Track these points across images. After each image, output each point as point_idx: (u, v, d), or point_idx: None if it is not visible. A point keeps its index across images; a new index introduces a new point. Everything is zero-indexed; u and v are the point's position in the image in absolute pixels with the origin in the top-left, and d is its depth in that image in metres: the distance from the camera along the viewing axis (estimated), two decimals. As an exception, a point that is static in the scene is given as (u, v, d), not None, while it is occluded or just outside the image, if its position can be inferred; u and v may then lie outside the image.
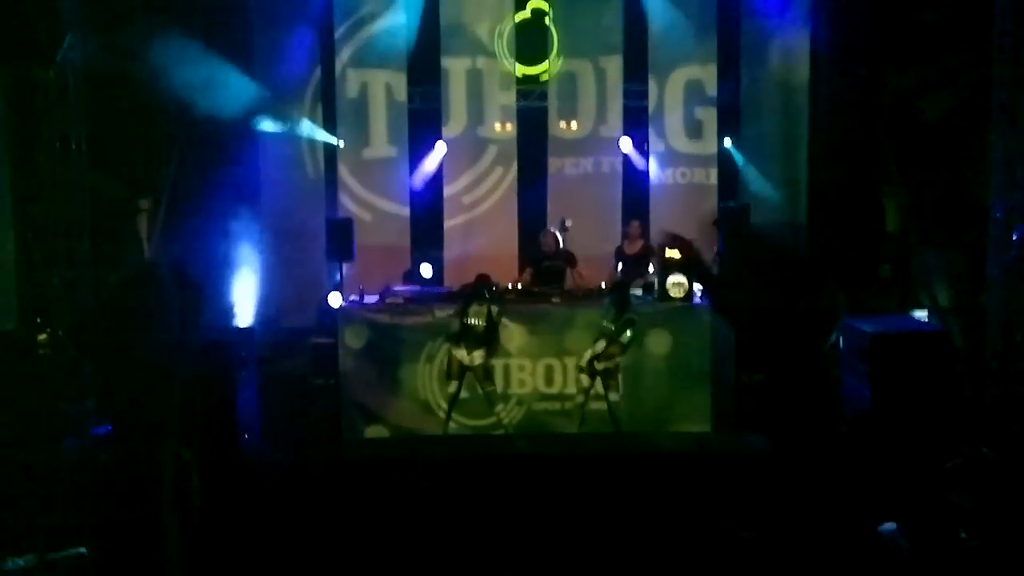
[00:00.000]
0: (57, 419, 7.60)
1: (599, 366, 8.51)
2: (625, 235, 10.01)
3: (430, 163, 11.03)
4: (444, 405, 8.82)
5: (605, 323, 8.49)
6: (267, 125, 10.67)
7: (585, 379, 8.58)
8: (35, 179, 8.26)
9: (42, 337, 7.97)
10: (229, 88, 9.45)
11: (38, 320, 8.17)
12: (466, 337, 8.58)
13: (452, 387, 8.67)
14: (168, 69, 8.82)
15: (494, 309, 8.61)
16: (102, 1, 8.73)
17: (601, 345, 8.47)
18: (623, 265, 9.64)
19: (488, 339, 8.60)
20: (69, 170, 8.31)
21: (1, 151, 8.21)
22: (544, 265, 9.62)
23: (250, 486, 7.26)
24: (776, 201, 10.61)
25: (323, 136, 10.85)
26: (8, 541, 5.91)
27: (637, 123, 10.96)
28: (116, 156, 9.20)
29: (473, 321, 8.56)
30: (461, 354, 8.59)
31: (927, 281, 9.29)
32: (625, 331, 8.44)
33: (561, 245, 9.68)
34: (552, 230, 9.84)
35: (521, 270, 10.01)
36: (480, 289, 8.69)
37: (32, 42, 8.18)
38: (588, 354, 8.52)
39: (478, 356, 8.58)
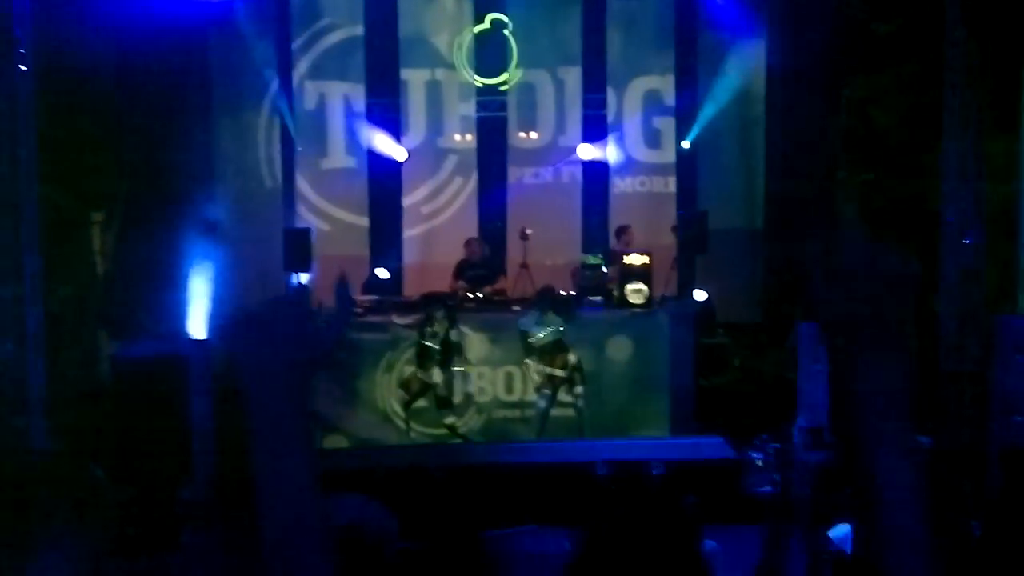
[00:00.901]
0: (9, 435, 7.43)
1: (559, 375, 8.50)
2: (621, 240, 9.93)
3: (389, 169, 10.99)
4: (403, 415, 8.77)
5: (537, 337, 8.46)
6: (224, 134, 10.59)
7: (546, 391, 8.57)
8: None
9: (-9, 351, 7.78)
10: (187, 98, 9.37)
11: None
12: (425, 357, 8.60)
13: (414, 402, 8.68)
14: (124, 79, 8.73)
15: (449, 329, 8.60)
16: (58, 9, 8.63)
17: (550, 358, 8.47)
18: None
19: (445, 359, 8.59)
20: (19, 184, 8.18)
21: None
22: (469, 274, 9.63)
23: (203, 502, 7.14)
24: (733, 208, 10.70)
25: (282, 144, 10.78)
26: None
27: (596, 132, 11.03)
28: (68, 169, 9.06)
29: (429, 342, 8.58)
30: (422, 374, 8.62)
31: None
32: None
33: (486, 253, 9.71)
34: (477, 238, 9.98)
35: (454, 280, 9.98)
36: (433, 308, 8.68)
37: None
38: (541, 368, 8.49)
39: (436, 375, 8.59)
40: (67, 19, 8.63)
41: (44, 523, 1.66)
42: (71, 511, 1.74)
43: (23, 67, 8.15)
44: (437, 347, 8.57)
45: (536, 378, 8.49)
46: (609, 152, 11.00)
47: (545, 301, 8.62)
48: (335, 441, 8.79)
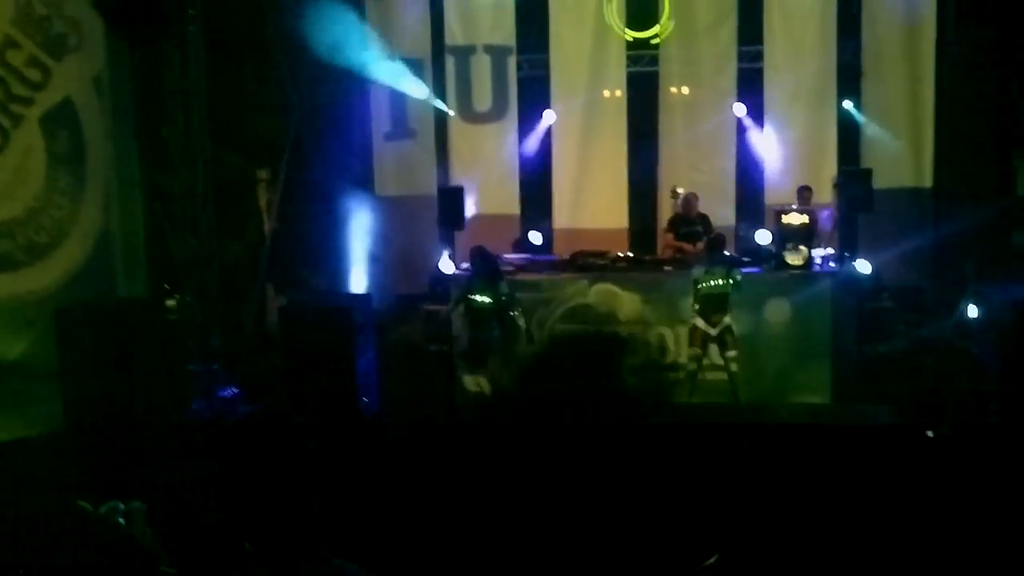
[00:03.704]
0: (186, 382, 7.88)
1: (712, 333, 8.31)
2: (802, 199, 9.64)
3: (540, 130, 10.97)
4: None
5: (703, 285, 8.26)
6: (380, 96, 10.78)
7: (695, 350, 8.41)
8: (162, 151, 8.54)
9: (171, 303, 8.26)
10: (350, 53, 9.55)
11: (166, 286, 8.47)
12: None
13: None
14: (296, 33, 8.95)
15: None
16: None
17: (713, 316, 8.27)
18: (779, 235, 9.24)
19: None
20: (192, 142, 8.58)
21: (130, 125, 8.50)
22: (684, 230, 9.45)
23: (369, 448, 7.38)
24: (900, 165, 10.18)
25: (437, 103, 10.90)
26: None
27: (752, 86, 10.64)
28: (235, 128, 9.44)
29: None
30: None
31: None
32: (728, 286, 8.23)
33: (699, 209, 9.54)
34: (695, 194, 9.64)
35: (666, 232, 9.79)
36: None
37: (157, 16, 8.43)
38: (699, 325, 8.32)
39: None
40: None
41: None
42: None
43: (192, 28, 8.53)
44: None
45: (696, 331, 8.31)
46: (765, 105, 10.59)
47: (715, 251, 8.44)
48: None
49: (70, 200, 7.78)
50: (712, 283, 8.23)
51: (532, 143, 10.97)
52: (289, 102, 9.85)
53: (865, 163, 10.01)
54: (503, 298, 8.48)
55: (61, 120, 7.79)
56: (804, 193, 9.65)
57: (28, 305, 7.36)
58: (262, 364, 8.24)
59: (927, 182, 10.14)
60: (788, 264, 8.86)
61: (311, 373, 7.42)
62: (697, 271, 8.35)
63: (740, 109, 10.61)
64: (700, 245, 9.16)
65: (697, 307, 8.29)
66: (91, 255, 7.82)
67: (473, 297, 8.48)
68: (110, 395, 6.44)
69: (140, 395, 6.84)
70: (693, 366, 8.48)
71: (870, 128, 10.35)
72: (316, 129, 10.10)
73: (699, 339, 8.33)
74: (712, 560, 4.66)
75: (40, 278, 7.53)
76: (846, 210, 9.35)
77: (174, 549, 2.85)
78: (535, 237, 10.22)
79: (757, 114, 10.61)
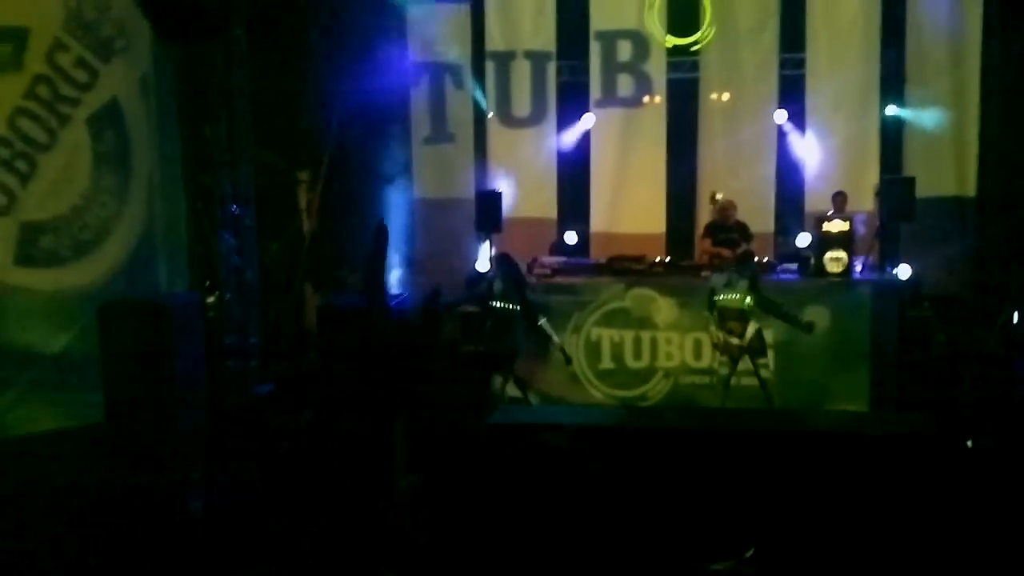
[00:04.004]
0: (225, 377, 7.99)
1: (735, 343, 8.22)
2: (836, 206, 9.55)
3: (577, 133, 10.97)
4: (591, 376, 8.82)
5: (720, 297, 8.20)
6: (420, 99, 10.87)
7: (723, 358, 8.33)
8: (204, 150, 8.67)
9: (211, 300, 8.37)
10: (389, 62, 9.66)
11: (207, 283, 8.59)
12: None
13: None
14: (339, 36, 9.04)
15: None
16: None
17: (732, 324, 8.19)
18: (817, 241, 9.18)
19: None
20: (234, 143, 8.71)
21: (174, 124, 8.64)
22: (721, 237, 9.37)
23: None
24: (943, 173, 10.03)
25: (479, 97, 10.92)
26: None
27: (794, 93, 10.56)
28: (278, 130, 9.58)
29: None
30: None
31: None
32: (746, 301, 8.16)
33: (736, 217, 9.46)
34: (732, 201, 9.55)
35: (703, 239, 9.71)
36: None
37: (202, 18, 8.57)
38: (716, 333, 8.24)
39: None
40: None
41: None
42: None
43: (237, 30, 8.66)
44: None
45: (716, 341, 8.25)
46: (807, 114, 10.51)
47: (743, 265, 8.36)
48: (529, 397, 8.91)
49: (115, 199, 7.93)
50: (729, 296, 8.17)
51: (569, 140, 10.95)
52: (331, 105, 9.96)
53: (908, 171, 9.90)
54: (530, 306, 8.52)
55: (107, 120, 7.95)
56: (838, 199, 9.55)
57: (72, 300, 7.51)
58: (300, 363, 8.33)
59: (971, 191, 9.98)
60: (827, 271, 8.78)
61: (345, 372, 7.48)
62: (717, 280, 8.29)
63: (781, 116, 10.52)
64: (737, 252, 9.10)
65: (714, 316, 8.24)
66: (134, 252, 7.95)
67: (495, 304, 8.53)
68: (150, 389, 6.54)
69: (179, 391, 6.94)
70: (725, 371, 8.41)
71: (917, 122, 10.13)
72: (357, 132, 10.20)
73: (722, 346, 8.26)
74: (750, 553, 4.60)
75: (84, 274, 7.68)
76: (887, 218, 9.24)
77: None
78: (570, 237, 10.23)
79: (798, 121, 10.51)
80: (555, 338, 8.67)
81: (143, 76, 8.28)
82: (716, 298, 8.21)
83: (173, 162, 8.61)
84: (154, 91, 8.36)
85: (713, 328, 8.25)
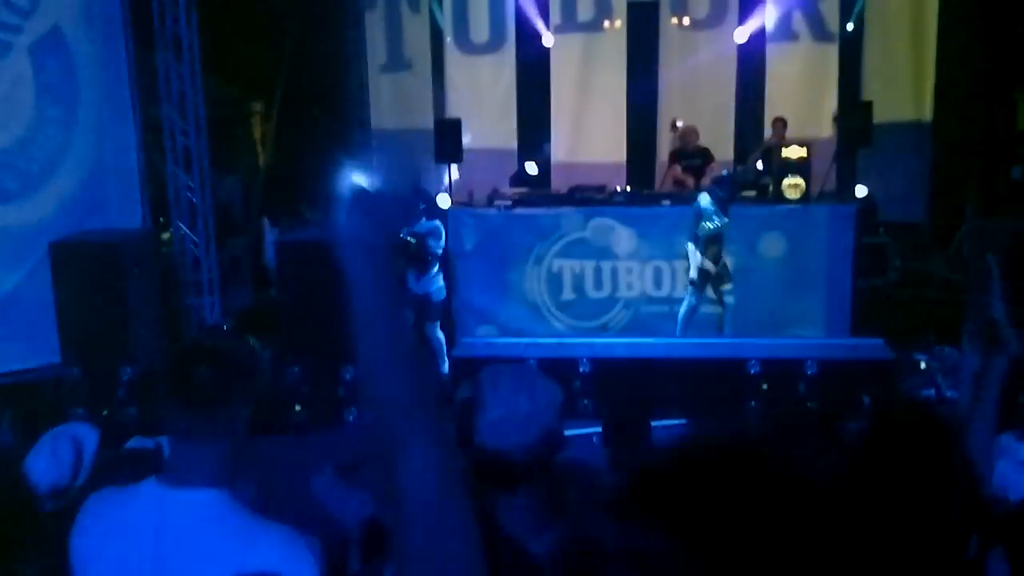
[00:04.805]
0: (184, 313, 7.91)
1: (709, 269, 8.23)
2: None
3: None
4: (552, 307, 8.85)
5: (710, 224, 8.13)
6: (375, 27, 10.61)
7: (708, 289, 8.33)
8: (154, 80, 8.43)
9: (166, 235, 8.24)
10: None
11: (160, 219, 8.45)
12: None
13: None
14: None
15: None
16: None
17: (709, 250, 8.16)
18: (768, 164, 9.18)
19: None
20: (184, 73, 8.48)
21: (123, 54, 8.38)
22: (684, 164, 9.36)
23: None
24: (900, 98, 10.06)
25: (433, 31, 10.69)
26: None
27: (754, 15, 10.46)
28: (230, 60, 9.32)
29: None
30: None
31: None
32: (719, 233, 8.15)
33: (698, 142, 9.42)
34: (693, 127, 9.50)
35: (670, 164, 9.70)
36: None
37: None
38: (707, 267, 8.20)
39: None
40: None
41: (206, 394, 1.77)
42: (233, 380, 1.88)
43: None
44: None
45: (695, 267, 8.21)
46: (767, 37, 10.43)
47: (723, 186, 8.26)
48: (487, 331, 8.96)
49: (61, 130, 7.71)
50: (719, 223, 8.12)
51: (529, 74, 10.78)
52: (284, 32, 9.71)
53: (865, 96, 9.90)
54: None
55: (50, 48, 7.68)
56: (778, 125, 9.58)
57: (22, 237, 7.34)
58: (259, 298, 8.26)
59: (927, 115, 10.04)
60: (786, 198, 8.80)
61: (305, 307, 7.40)
62: (705, 206, 8.11)
63: (741, 35, 10.46)
64: (704, 180, 9.10)
65: (702, 248, 8.16)
66: (84, 186, 7.77)
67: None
68: (106, 328, 6.47)
69: (135, 328, 6.87)
70: (694, 300, 8.40)
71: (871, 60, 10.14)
72: (311, 60, 9.96)
73: (705, 279, 8.25)
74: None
75: (33, 210, 7.50)
76: (845, 144, 9.27)
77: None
78: (531, 167, 10.14)
79: (758, 46, 10.46)
80: None
81: (87, 2, 7.99)
82: (705, 224, 8.12)
83: (122, 93, 8.37)
84: (100, 18, 8.08)
85: (699, 256, 8.18)
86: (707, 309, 8.56)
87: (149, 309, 6.98)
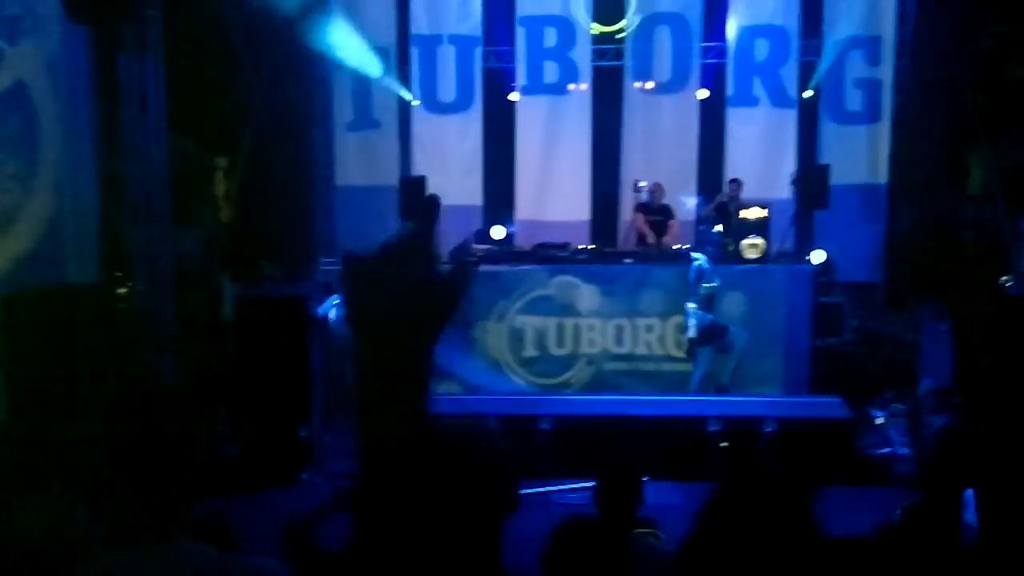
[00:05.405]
0: (139, 370, 7.78)
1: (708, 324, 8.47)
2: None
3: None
4: (512, 363, 8.84)
5: (711, 285, 8.41)
6: (343, 84, 10.72)
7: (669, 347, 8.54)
8: (118, 134, 8.42)
9: (122, 291, 8.15)
10: (314, 39, 9.49)
11: (117, 274, 8.36)
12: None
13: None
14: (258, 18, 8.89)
15: None
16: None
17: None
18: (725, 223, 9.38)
19: None
20: (148, 128, 8.47)
21: (86, 109, 8.37)
22: (649, 219, 9.64)
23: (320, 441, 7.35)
24: (856, 161, 10.27)
25: (400, 91, 10.84)
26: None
27: (715, 81, 10.71)
28: (193, 116, 9.34)
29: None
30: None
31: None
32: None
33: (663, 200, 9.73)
34: (659, 184, 9.84)
35: (636, 213, 9.95)
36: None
37: (116, 2, 8.30)
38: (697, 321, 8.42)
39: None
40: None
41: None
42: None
43: (151, 11, 8.42)
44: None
45: (696, 326, 8.43)
46: (728, 101, 10.66)
47: (710, 247, 8.53)
48: (449, 387, 8.92)
49: (20, 185, 7.64)
50: (718, 282, 8.42)
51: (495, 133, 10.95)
52: (249, 89, 9.75)
53: (823, 159, 10.10)
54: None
55: (12, 104, 7.65)
56: (733, 186, 9.76)
57: (-26, 291, 7.22)
58: (216, 354, 8.17)
59: (883, 178, 10.24)
60: (745, 257, 8.92)
61: (262, 365, 7.37)
62: (706, 268, 8.38)
63: (703, 93, 10.68)
64: (666, 237, 9.33)
65: (704, 306, 8.41)
66: (40, 241, 7.67)
67: None
68: (55, 383, 6.36)
69: (87, 384, 6.76)
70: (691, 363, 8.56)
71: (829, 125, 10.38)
72: (277, 117, 10.01)
73: (709, 334, 8.49)
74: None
75: (-13, 264, 7.39)
76: (803, 205, 9.43)
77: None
78: (497, 232, 10.21)
79: (719, 111, 10.69)
80: None
81: (52, 58, 7.99)
82: (707, 284, 8.39)
83: (83, 147, 8.34)
84: (64, 74, 8.08)
85: (700, 314, 8.41)
86: (673, 368, 8.65)
87: (101, 365, 6.87)
